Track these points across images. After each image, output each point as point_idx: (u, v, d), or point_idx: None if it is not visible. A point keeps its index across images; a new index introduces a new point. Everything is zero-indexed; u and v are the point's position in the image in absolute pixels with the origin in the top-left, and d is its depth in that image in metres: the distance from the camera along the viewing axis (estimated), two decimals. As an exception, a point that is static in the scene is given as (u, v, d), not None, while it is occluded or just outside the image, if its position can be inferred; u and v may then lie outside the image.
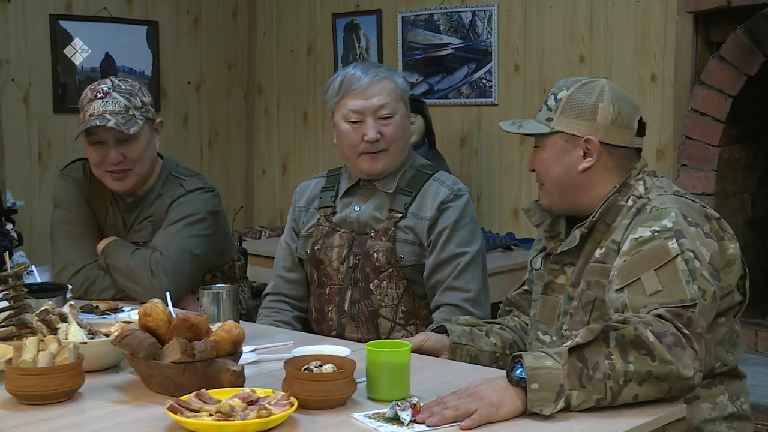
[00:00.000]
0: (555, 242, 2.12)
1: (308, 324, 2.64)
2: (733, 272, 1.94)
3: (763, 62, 3.49)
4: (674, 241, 1.82)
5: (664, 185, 2.01)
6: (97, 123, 2.57)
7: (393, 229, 2.47)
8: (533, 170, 2.13)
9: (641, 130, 2.07)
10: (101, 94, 2.60)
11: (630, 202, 1.99)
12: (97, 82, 2.67)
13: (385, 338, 2.45)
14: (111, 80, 2.66)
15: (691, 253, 1.81)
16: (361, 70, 2.52)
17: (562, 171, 2.04)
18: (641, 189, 2.01)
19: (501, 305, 2.37)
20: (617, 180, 2.03)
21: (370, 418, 1.64)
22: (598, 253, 1.99)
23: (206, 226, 2.69)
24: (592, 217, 2.00)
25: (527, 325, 2.27)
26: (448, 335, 2.16)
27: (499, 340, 2.22)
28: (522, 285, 2.32)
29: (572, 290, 2.03)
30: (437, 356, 2.14)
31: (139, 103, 2.63)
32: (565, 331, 2.02)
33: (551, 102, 2.06)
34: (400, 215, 2.48)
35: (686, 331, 1.70)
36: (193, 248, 2.64)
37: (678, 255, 1.80)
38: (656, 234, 1.85)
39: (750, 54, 3.50)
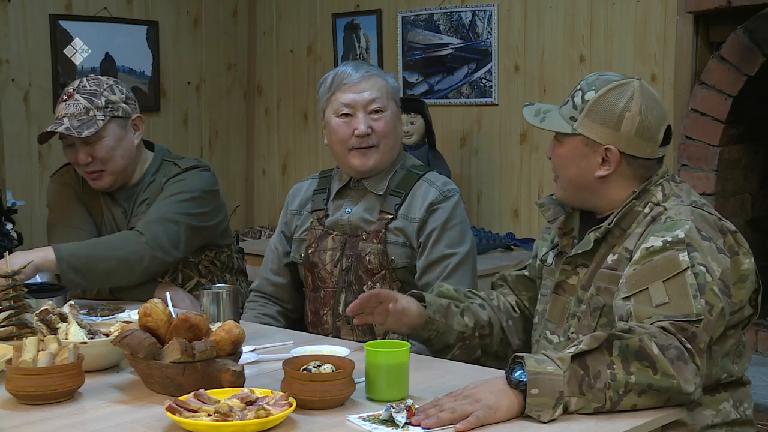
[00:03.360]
0: (567, 239, 2.10)
1: (291, 320, 2.65)
2: (746, 288, 1.92)
3: (763, 62, 3.49)
4: (685, 253, 1.80)
5: (682, 194, 1.98)
6: (49, 128, 2.61)
7: (384, 231, 2.47)
8: (550, 158, 2.09)
9: (666, 140, 2.02)
10: (66, 96, 2.64)
11: (647, 209, 1.96)
12: (71, 83, 2.69)
13: (381, 338, 2.45)
14: (81, 80, 2.67)
15: (702, 268, 1.79)
16: (353, 67, 2.53)
17: (578, 172, 2.01)
18: (659, 196, 1.98)
19: (495, 278, 2.35)
20: (634, 187, 2.00)
21: (364, 420, 1.63)
22: (610, 259, 1.97)
23: (202, 204, 2.70)
24: (608, 224, 1.97)
25: (513, 308, 2.26)
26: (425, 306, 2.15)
27: (472, 321, 2.19)
28: (522, 268, 2.29)
29: (582, 293, 2.01)
30: (404, 319, 2.12)
31: (103, 102, 2.62)
32: (572, 333, 2.01)
33: (578, 100, 2.00)
34: (391, 216, 2.48)
35: (689, 346, 1.69)
36: (184, 219, 2.64)
37: (688, 268, 1.78)
38: (668, 245, 1.82)
39: (750, 54, 3.50)
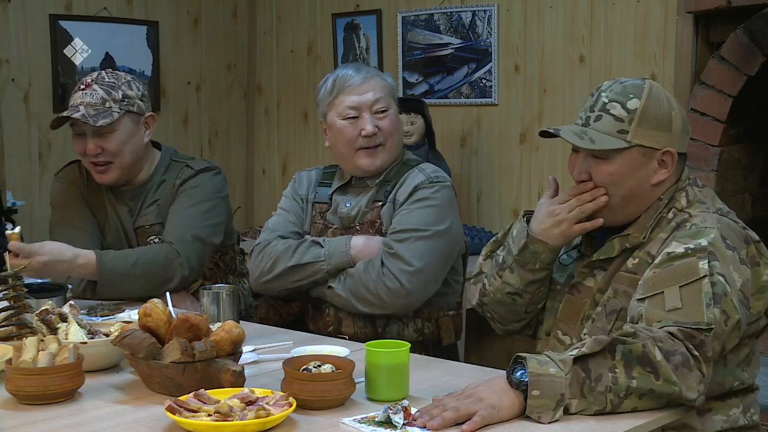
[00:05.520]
0: (586, 240, 2.09)
1: (303, 323, 2.65)
2: (764, 299, 1.91)
3: (763, 62, 3.49)
4: (705, 261, 1.78)
5: (707, 200, 1.96)
6: (64, 114, 2.62)
7: (380, 221, 2.49)
8: (583, 180, 2.00)
9: None
10: (83, 86, 2.66)
11: (670, 215, 1.95)
12: (88, 74, 2.71)
13: (381, 331, 2.47)
14: (99, 72, 2.70)
15: (720, 278, 1.77)
16: (353, 69, 2.56)
17: (635, 185, 1.95)
18: (683, 201, 1.96)
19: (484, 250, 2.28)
20: (672, 185, 1.98)
21: (360, 422, 1.63)
22: (630, 262, 1.96)
23: (219, 212, 2.75)
24: (643, 239, 1.94)
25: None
26: None
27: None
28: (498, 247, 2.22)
29: (599, 296, 2.00)
30: None
31: (120, 95, 2.65)
32: (585, 335, 1.99)
33: (619, 111, 1.93)
34: (381, 203, 2.51)
35: (696, 353, 1.69)
36: (208, 236, 2.69)
37: (706, 276, 1.76)
38: (689, 251, 1.81)
39: (750, 54, 3.50)
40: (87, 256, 2.55)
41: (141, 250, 2.64)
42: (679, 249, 1.83)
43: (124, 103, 2.65)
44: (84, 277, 2.57)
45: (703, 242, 1.82)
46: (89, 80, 2.66)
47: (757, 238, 1.94)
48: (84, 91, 2.64)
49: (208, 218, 2.70)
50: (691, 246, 1.82)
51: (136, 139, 2.70)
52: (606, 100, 1.96)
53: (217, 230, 2.74)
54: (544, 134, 2.02)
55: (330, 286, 2.47)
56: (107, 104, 2.63)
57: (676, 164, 1.96)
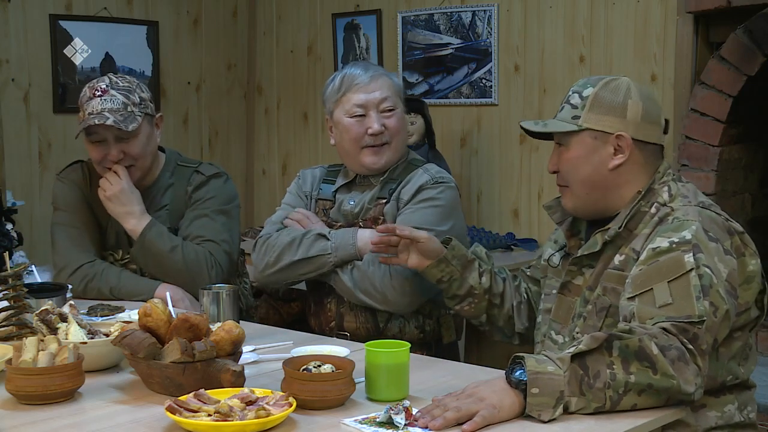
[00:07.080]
0: (574, 241, 2.10)
1: (305, 322, 2.65)
2: (752, 289, 1.92)
3: (763, 62, 3.49)
4: (691, 254, 1.79)
5: (689, 194, 1.98)
6: (96, 121, 2.59)
7: (382, 217, 2.50)
8: (554, 172, 2.08)
9: (665, 128, 2.05)
10: (99, 92, 2.62)
11: (653, 210, 1.96)
12: (95, 80, 2.69)
13: (382, 327, 2.47)
14: (109, 77, 2.68)
15: (707, 269, 1.78)
16: (361, 68, 2.58)
17: (591, 170, 2.01)
18: (665, 196, 1.97)
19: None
20: (646, 178, 2.00)
21: (360, 423, 1.63)
22: (617, 259, 1.97)
23: (236, 218, 2.79)
24: (618, 228, 1.96)
25: (527, 293, 2.31)
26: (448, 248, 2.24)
27: (487, 284, 2.26)
28: (528, 267, 2.36)
29: (589, 293, 2.01)
30: (417, 245, 2.23)
31: (137, 99, 2.65)
32: (577, 333, 2.01)
33: (575, 100, 2.02)
34: (384, 200, 2.52)
35: (691, 347, 1.69)
36: (234, 252, 2.75)
37: (693, 269, 1.77)
38: (674, 245, 1.82)
39: (750, 54, 3.50)
40: (142, 221, 2.66)
41: (186, 244, 2.67)
42: (664, 243, 1.84)
43: (142, 105, 2.65)
44: (128, 233, 2.69)
45: (687, 235, 1.83)
46: (104, 86, 2.63)
47: (740, 229, 1.95)
48: (102, 98, 2.61)
49: (231, 227, 2.74)
50: (675, 240, 1.83)
51: (153, 141, 2.73)
52: (570, 93, 2.05)
53: (237, 240, 2.78)
54: (526, 131, 2.15)
55: (336, 272, 2.48)
56: (129, 108, 2.62)
57: (633, 151, 1.99)
